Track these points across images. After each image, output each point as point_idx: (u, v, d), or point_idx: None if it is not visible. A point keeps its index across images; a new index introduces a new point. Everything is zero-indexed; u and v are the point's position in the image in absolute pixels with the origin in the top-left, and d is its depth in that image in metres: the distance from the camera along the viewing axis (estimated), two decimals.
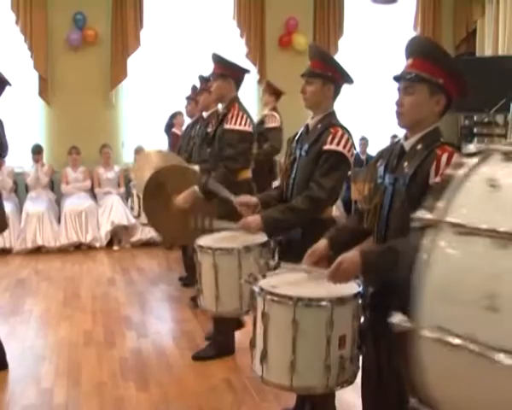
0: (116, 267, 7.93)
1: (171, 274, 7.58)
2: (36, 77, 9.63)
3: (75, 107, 9.76)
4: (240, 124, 4.61)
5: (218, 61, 4.77)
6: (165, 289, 6.98)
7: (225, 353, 4.93)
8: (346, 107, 8.45)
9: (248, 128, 4.65)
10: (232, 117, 4.63)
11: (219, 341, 4.94)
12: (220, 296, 3.42)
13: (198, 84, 6.78)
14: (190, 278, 6.50)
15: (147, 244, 9.24)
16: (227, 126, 4.62)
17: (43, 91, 9.68)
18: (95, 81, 9.93)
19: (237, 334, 5.02)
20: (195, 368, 4.76)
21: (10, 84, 4.62)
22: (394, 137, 10.09)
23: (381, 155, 2.73)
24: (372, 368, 2.62)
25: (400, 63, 2.63)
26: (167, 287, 7.06)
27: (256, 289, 2.60)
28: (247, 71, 4.90)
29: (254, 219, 3.40)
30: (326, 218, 3.46)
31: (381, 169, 2.64)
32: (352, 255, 2.46)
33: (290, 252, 3.25)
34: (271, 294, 2.52)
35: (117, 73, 9.95)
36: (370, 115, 10.95)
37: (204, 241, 3.61)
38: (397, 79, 2.55)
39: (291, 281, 2.71)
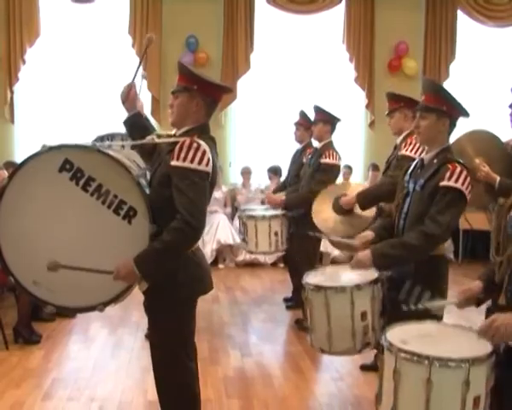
0: (220, 286, 7.98)
1: (274, 295, 7.61)
2: (149, 97, 9.92)
3: None
4: None
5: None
6: (268, 310, 6.99)
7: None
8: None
9: None
10: None
11: None
12: (332, 335, 3.33)
13: (306, 110, 6.77)
14: (296, 300, 6.50)
15: (251, 264, 9.39)
16: None
17: (156, 111, 9.99)
18: None
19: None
20: (299, 390, 4.73)
21: None
22: None
23: None
24: None
25: None
26: (270, 308, 7.07)
27: (385, 343, 2.52)
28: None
29: (365, 254, 3.32)
30: (438, 255, 3.39)
31: None
32: (507, 316, 2.35)
33: (401, 289, 3.17)
34: (404, 352, 2.43)
35: (227, 94, 10.05)
36: None
37: (313, 279, 3.54)
38: None
39: (421, 334, 2.62)
